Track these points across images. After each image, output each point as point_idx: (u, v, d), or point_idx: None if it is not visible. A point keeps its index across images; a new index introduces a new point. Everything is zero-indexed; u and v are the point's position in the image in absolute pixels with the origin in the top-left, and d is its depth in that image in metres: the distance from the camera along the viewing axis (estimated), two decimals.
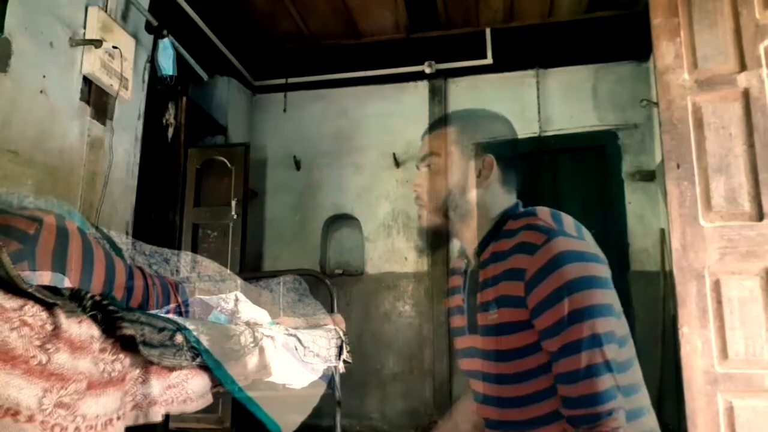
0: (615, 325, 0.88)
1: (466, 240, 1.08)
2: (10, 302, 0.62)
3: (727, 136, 1.99)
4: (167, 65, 2.63)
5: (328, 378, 1.84)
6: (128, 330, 0.78)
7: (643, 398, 0.95)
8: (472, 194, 1.06)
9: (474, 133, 1.09)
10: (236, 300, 1.46)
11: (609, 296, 0.90)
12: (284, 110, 4.39)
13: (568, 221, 0.96)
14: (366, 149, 4.28)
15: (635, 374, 0.94)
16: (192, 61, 3.60)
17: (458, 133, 1.08)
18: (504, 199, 1.07)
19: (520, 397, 0.94)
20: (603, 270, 0.91)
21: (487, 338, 0.98)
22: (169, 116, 3.54)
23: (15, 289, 0.63)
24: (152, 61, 2.68)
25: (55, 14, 2.10)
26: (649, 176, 3.78)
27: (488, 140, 1.08)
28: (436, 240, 1.11)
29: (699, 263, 1.92)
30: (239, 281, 2.08)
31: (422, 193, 1.09)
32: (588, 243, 0.93)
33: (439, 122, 1.13)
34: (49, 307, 0.67)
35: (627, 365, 0.92)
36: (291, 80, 4.35)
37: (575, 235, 0.92)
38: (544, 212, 0.98)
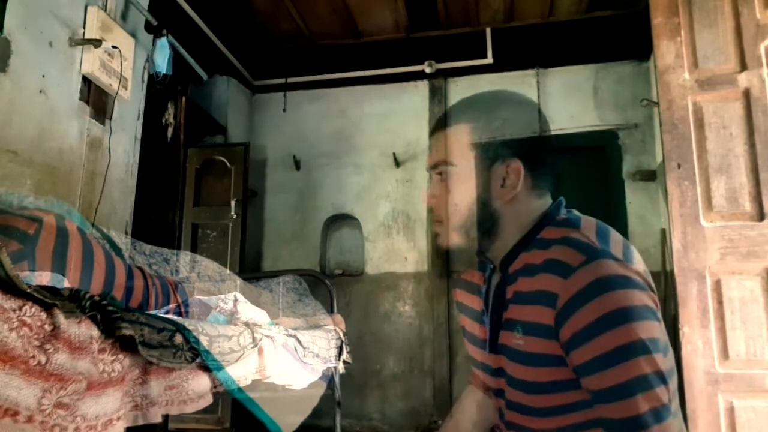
0: (663, 362, 0.75)
1: (493, 254, 0.93)
2: (9, 302, 0.62)
3: (727, 135, 1.99)
4: (163, 64, 2.62)
5: (328, 378, 1.84)
6: (127, 330, 0.78)
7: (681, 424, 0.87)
8: (497, 206, 0.89)
9: (494, 129, 0.91)
10: (235, 300, 1.46)
11: (658, 330, 0.76)
12: (284, 110, 4.39)
13: (616, 240, 0.81)
14: (366, 149, 4.27)
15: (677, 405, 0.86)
16: (191, 61, 3.60)
17: (474, 132, 0.91)
18: (536, 204, 0.91)
19: (546, 430, 0.84)
20: (650, 299, 0.77)
21: (512, 364, 0.86)
22: (169, 116, 3.53)
23: (14, 289, 0.63)
24: (151, 60, 2.68)
25: (54, 14, 2.10)
26: (649, 176, 3.78)
27: (512, 138, 0.90)
28: (463, 259, 1.00)
29: (700, 263, 1.92)
30: (239, 281, 2.08)
31: (437, 206, 0.94)
32: (635, 267, 0.78)
33: (449, 117, 0.95)
34: (48, 308, 0.67)
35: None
36: (291, 80, 4.34)
37: (620, 258, 0.77)
38: (588, 225, 0.84)
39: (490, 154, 0.89)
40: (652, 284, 0.80)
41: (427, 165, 0.98)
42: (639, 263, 0.80)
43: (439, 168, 0.93)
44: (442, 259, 3.96)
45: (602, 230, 0.83)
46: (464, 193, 0.90)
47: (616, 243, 0.80)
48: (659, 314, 0.79)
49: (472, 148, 0.90)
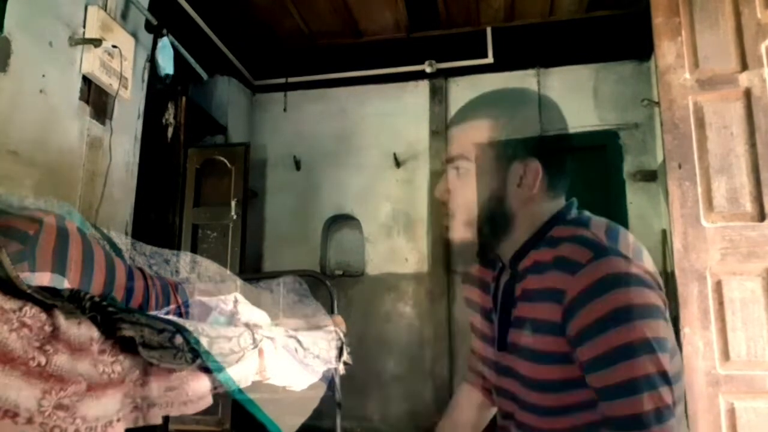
0: (668, 363, 0.74)
1: (502, 252, 0.93)
2: (9, 303, 0.62)
3: (728, 135, 1.98)
4: (166, 64, 2.62)
5: (329, 380, 1.84)
6: (128, 331, 0.77)
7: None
8: (512, 206, 0.89)
9: (515, 127, 0.90)
10: (235, 301, 1.45)
11: (664, 329, 0.76)
12: (284, 110, 4.39)
13: (626, 239, 0.81)
14: (366, 149, 4.27)
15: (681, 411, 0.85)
16: (192, 61, 3.60)
17: (494, 129, 0.90)
18: (550, 206, 0.90)
19: (556, 430, 0.83)
20: (659, 298, 0.77)
21: (523, 362, 0.85)
22: (169, 116, 3.53)
23: (14, 290, 0.63)
24: (152, 60, 2.68)
25: (54, 13, 2.10)
26: (650, 176, 3.77)
27: (532, 137, 0.90)
28: (466, 254, 0.97)
29: (700, 264, 1.92)
30: (239, 282, 2.07)
31: (449, 200, 0.93)
32: (644, 266, 0.78)
33: (470, 111, 0.94)
34: (48, 309, 0.67)
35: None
36: (291, 80, 4.34)
37: (628, 256, 0.77)
38: (598, 224, 0.84)
39: (508, 153, 0.88)
40: (661, 283, 0.80)
41: (443, 157, 0.98)
42: (648, 262, 0.80)
43: (456, 162, 0.91)
44: (443, 259, 3.96)
45: (612, 229, 0.83)
46: (479, 190, 0.89)
47: (625, 241, 0.80)
48: (667, 314, 0.79)
49: (490, 145, 0.89)
